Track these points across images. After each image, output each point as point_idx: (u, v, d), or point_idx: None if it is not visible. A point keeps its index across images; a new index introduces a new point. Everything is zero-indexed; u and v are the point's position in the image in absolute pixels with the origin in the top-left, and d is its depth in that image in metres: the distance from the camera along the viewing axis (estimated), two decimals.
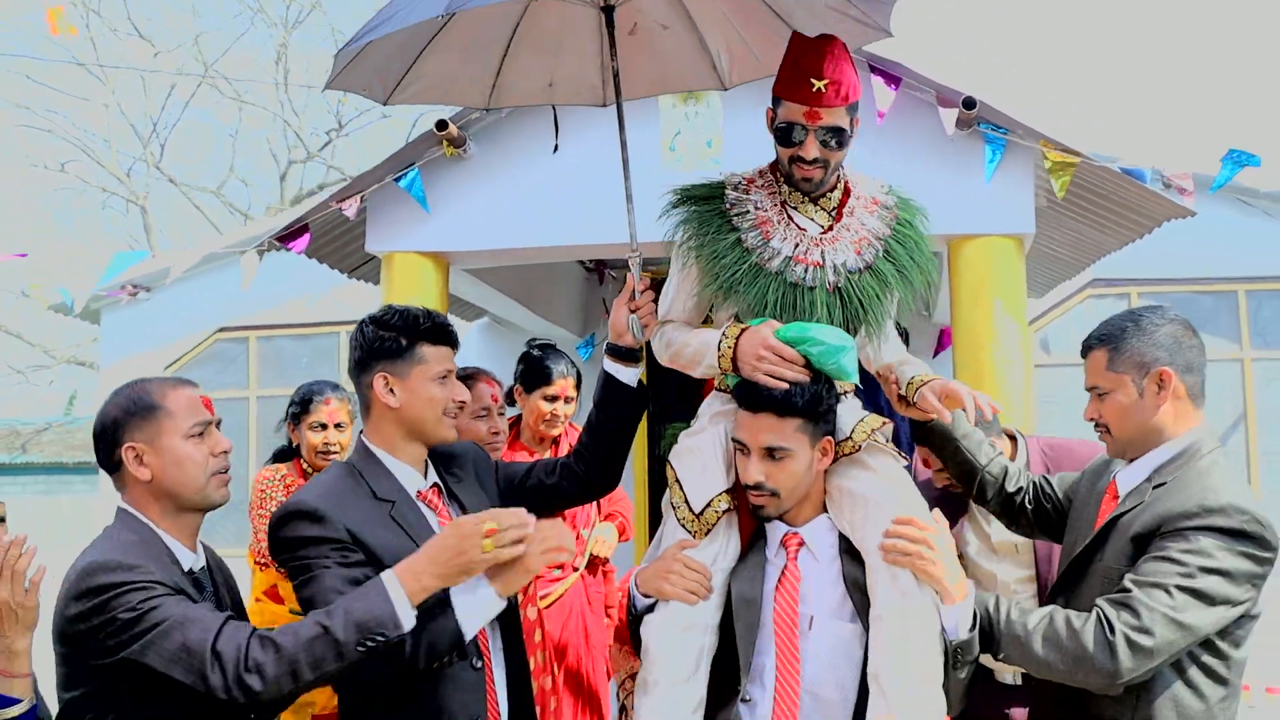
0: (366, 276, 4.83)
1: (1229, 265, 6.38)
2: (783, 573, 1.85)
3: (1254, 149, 3.47)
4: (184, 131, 22.89)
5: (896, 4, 2.05)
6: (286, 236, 3.94)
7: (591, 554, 3.30)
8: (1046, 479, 2.07)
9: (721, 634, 1.87)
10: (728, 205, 1.98)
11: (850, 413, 1.91)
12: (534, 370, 3.15)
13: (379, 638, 1.53)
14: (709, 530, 1.86)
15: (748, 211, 1.96)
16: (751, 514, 1.88)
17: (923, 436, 2.08)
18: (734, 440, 1.85)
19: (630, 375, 1.98)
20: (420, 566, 1.59)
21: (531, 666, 2.93)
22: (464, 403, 1.90)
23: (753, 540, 1.92)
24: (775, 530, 1.89)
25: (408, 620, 1.55)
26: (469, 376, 2.81)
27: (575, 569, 3.24)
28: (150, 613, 1.52)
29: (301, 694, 1.60)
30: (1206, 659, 1.66)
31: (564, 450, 3.24)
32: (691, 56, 2.40)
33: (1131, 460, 1.79)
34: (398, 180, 3.83)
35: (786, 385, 1.77)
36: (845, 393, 1.96)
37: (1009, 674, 2.44)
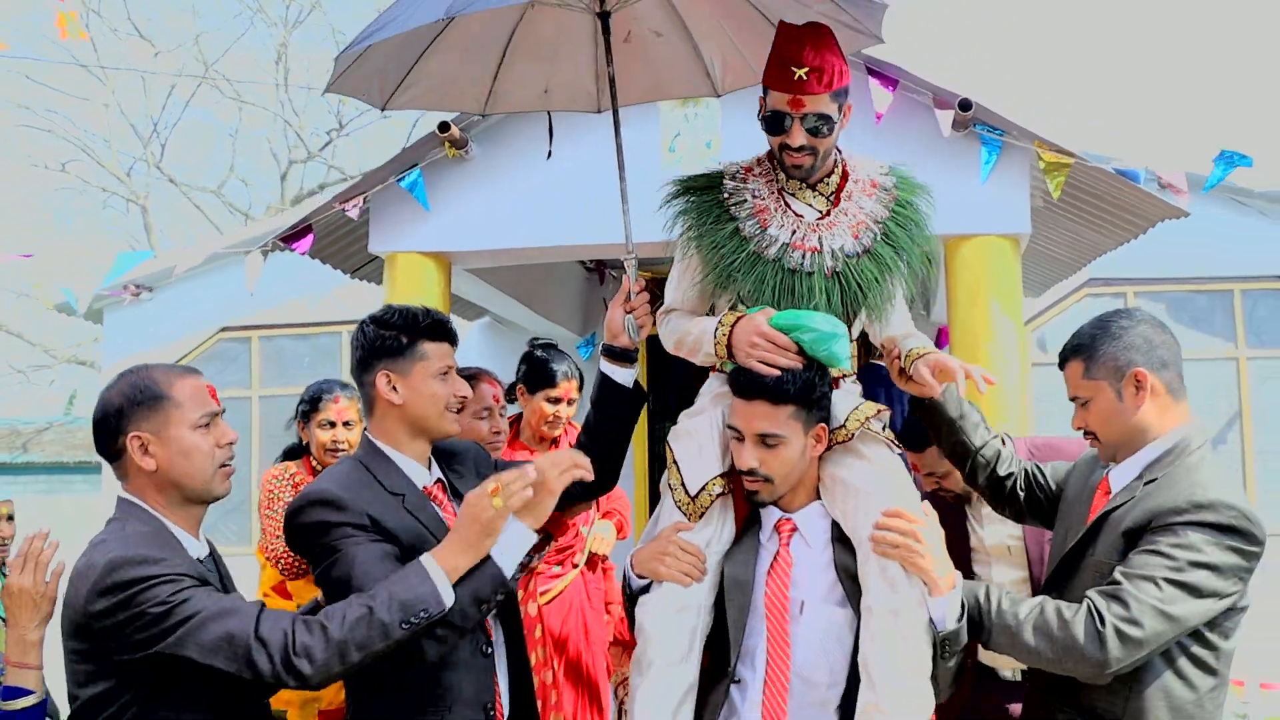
0: (369, 277, 4.87)
1: (1225, 264, 6.42)
2: (775, 558, 1.88)
3: (1251, 148, 3.50)
4: (184, 131, 22.92)
5: (888, 10, 2.07)
6: (290, 237, 3.98)
7: (590, 551, 3.34)
8: (1039, 467, 2.10)
9: (716, 616, 1.91)
10: (725, 195, 2.00)
11: (846, 400, 1.93)
12: (538, 371, 3.16)
13: (423, 615, 1.56)
14: (703, 513, 1.89)
15: (745, 200, 1.98)
16: (746, 499, 1.91)
17: (921, 414, 2.10)
18: (729, 426, 1.88)
19: (626, 376, 2.00)
20: (450, 548, 1.63)
21: (533, 662, 2.97)
22: (465, 397, 1.93)
23: (747, 524, 1.95)
24: (769, 515, 1.92)
25: (448, 596, 1.59)
26: (471, 376, 2.84)
27: (575, 565, 3.27)
28: (182, 605, 1.52)
29: (348, 675, 1.61)
30: (1196, 650, 1.70)
31: (563, 449, 3.26)
32: (685, 64, 2.42)
33: (1122, 460, 1.82)
34: (400, 181, 3.87)
35: (779, 372, 1.80)
36: (847, 376, 1.98)
37: (1009, 670, 2.46)
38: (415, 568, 1.60)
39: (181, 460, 1.66)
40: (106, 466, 8.05)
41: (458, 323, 2.55)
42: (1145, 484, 1.75)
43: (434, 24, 2.11)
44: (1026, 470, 2.09)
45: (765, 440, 1.82)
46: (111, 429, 1.66)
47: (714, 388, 1.99)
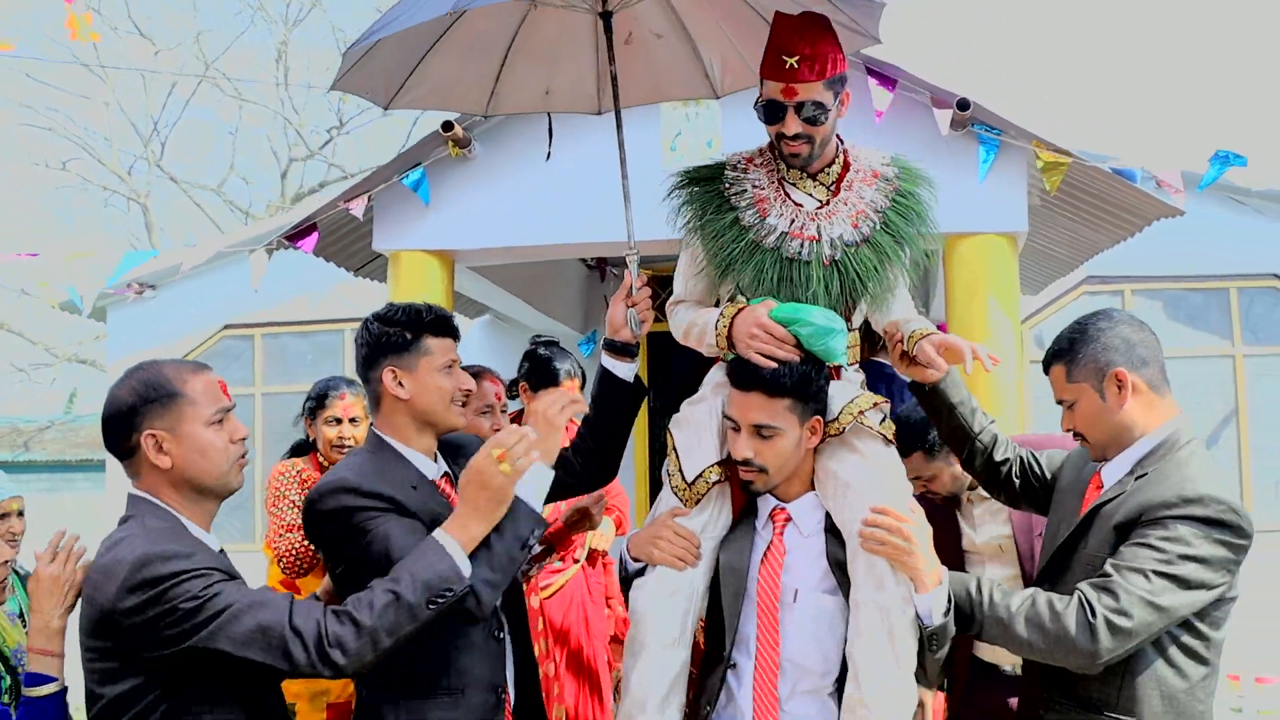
0: (372, 274, 4.90)
1: (1221, 263, 6.45)
2: (768, 547, 1.91)
3: (1249, 147, 3.54)
4: (185, 130, 22.93)
5: (885, 9, 2.07)
6: (295, 235, 4.02)
7: (591, 547, 3.38)
8: (1034, 455, 2.13)
9: (712, 602, 1.94)
10: (726, 185, 2.02)
11: (844, 392, 1.94)
12: (541, 370, 3.18)
13: (447, 593, 1.58)
14: (699, 500, 1.93)
15: (745, 190, 2.00)
16: (741, 488, 1.94)
17: (922, 400, 2.11)
18: (725, 416, 1.91)
19: (627, 371, 2.03)
20: (462, 520, 1.65)
21: (536, 654, 3.01)
22: (470, 391, 1.97)
23: (744, 511, 1.98)
24: (765, 503, 1.95)
25: (467, 569, 1.61)
26: (474, 375, 2.87)
27: (576, 561, 3.31)
28: (214, 599, 1.51)
29: (379, 661, 1.61)
30: (1187, 640, 1.73)
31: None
32: (685, 66, 2.43)
33: (1113, 457, 1.85)
34: (404, 180, 3.90)
35: (776, 364, 1.82)
36: (852, 365, 2.00)
37: (1010, 665, 2.49)
38: (431, 545, 1.62)
39: (197, 457, 1.64)
40: (111, 465, 8.06)
41: (460, 320, 2.58)
42: (1136, 478, 1.78)
43: (438, 24, 2.14)
44: (1022, 457, 2.12)
45: (760, 431, 1.84)
46: (124, 427, 1.64)
47: (716, 377, 2.02)
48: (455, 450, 2.05)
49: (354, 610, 1.56)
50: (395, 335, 1.89)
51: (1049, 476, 2.09)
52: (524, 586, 2.89)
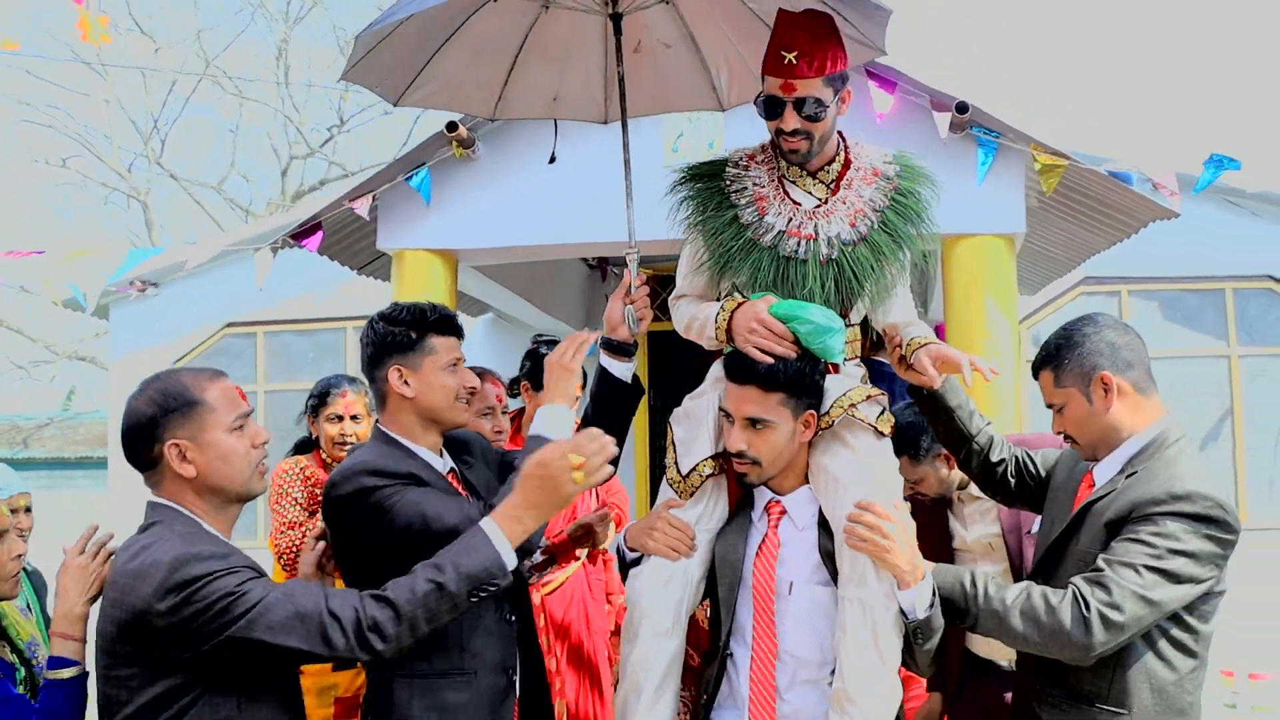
0: (376, 273, 4.93)
1: (1217, 264, 6.49)
2: (763, 540, 1.95)
3: (1247, 147, 3.59)
4: (185, 127, 22.91)
5: (888, 16, 2.11)
6: (300, 234, 4.05)
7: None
8: (1029, 454, 2.17)
9: (711, 593, 1.98)
10: (727, 182, 2.04)
11: (840, 385, 1.95)
12: (543, 369, 3.23)
13: (491, 586, 1.57)
14: (693, 492, 1.96)
15: (745, 188, 2.02)
16: (736, 480, 1.97)
17: (918, 402, 2.14)
18: (720, 409, 1.94)
19: (624, 370, 2.06)
20: (518, 510, 1.63)
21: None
22: (474, 388, 2.01)
23: (741, 504, 2.01)
24: (761, 496, 1.99)
25: (512, 562, 1.60)
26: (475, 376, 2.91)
27: (577, 558, 3.35)
28: (250, 593, 1.51)
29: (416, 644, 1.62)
30: (1176, 633, 1.78)
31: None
32: (692, 76, 2.44)
33: (1103, 458, 1.90)
34: (409, 180, 3.94)
35: (772, 359, 1.85)
36: (851, 359, 2.02)
37: (1006, 661, 2.53)
38: (479, 535, 1.61)
39: (220, 464, 1.64)
40: (114, 463, 8.07)
41: (462, 319, 2.60)
42: (1126, 477, 1.82)
43: (450, 19, 2.15)
44: (1017, 457, 2.16)
45: (754, 424, 1.87)
46: (146, 438, 1.63)
47: (717, 372, 2.04)
48: (460, 447, 2.09)
49: (394, 595, 1.56)
50: (400, 334, 1.93)
51: (1043, 475, 2.13)
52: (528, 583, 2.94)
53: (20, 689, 2.30)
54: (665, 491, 2.02)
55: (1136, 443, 1.85)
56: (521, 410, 3.35)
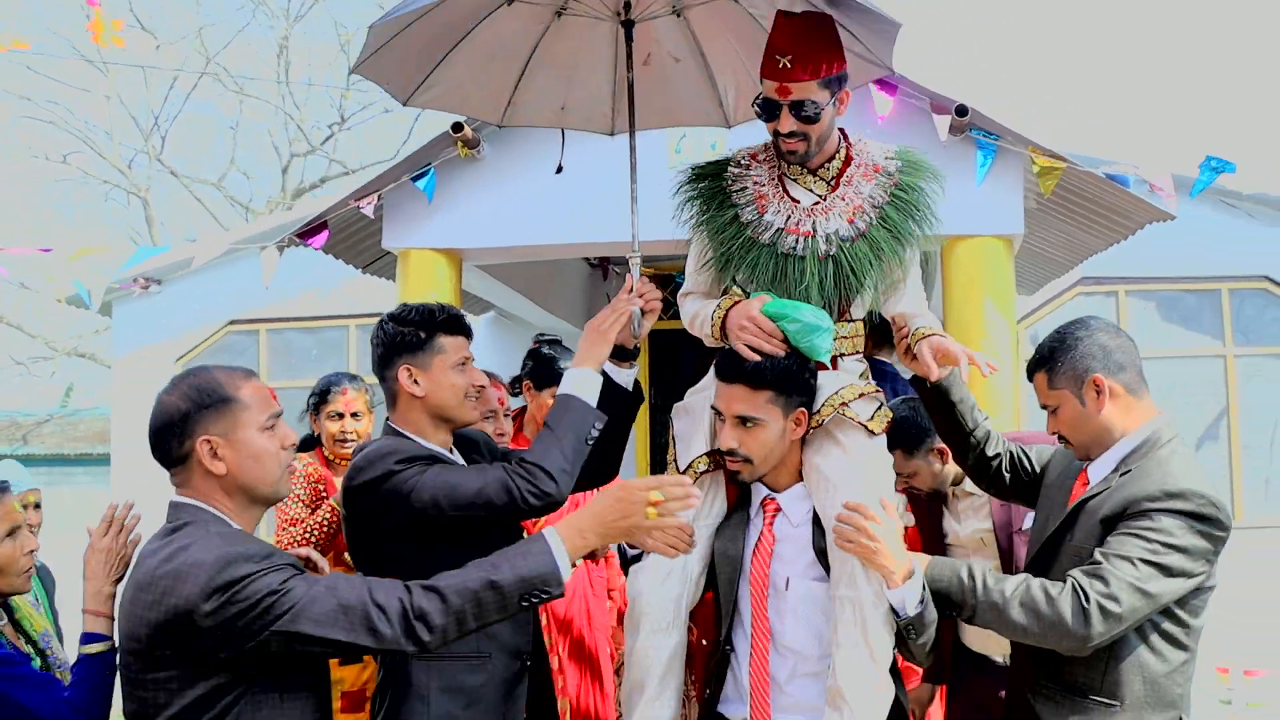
0: (381, 272, 4.97)
1: (1213, 264, 6.52)
2: (759, 536, 1.98)
3: (1242, 149, 3.63)
4: (185, 124, 22.88)
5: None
6: (306, 233, 4.09)
7: None
8: (1024, 449, 2.21)
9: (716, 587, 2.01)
10: (728, 182, 2.07)
11: (834, 381, 1.98)
12: (545, 369, 3.22)
13: (543, 594, 1.56)
14: None
15: (746, 187, 2.05)
16: (729, 477, 2.00)
17: (922, 395, 2.17)
18: (712, 407, 1.98)
19: (626, 377, 2.09)
20: (585, 525, 1.62)
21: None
22: (483, 386, 2.05)
23: (740, 500, 2.05)
24: (758, 493, 2.02)
25: (566, 575, 1.59)
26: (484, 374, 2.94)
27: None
28: (294, 589, 1.50)
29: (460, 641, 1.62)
30: (1168, 627, 1.82)
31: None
32: (699, 91, 2.45)
33: (1097, 457, 1.94)
34: (414, 180, 3.97)
35: (760, 357, 1.88)
36: (852, 355, 2.05)
37: (1000, 656, 2.56)
38: (540, 541, 1.60)
39: (252, 463, 1.62)
40: (117, 459, 8.05)
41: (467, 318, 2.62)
42: (1120, 475, 1.87)
43: (463, 20, 2.16)
44: (1012, 452, 2.20)
45: (744, 422, 1.90)
46: (177, 433, 1.61)
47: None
48: (469, 445, 2.13)
49: (443, 586, 1.55)
50: (410, 334, 1.97)
51: (1037, 470, 2.17)
52: None
53: None
54: None
55: (1129, 443, 1.90)
56: (523, 409, 3.38)
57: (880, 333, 4.07)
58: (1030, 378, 2.00)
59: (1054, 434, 2.00)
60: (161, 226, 15.48)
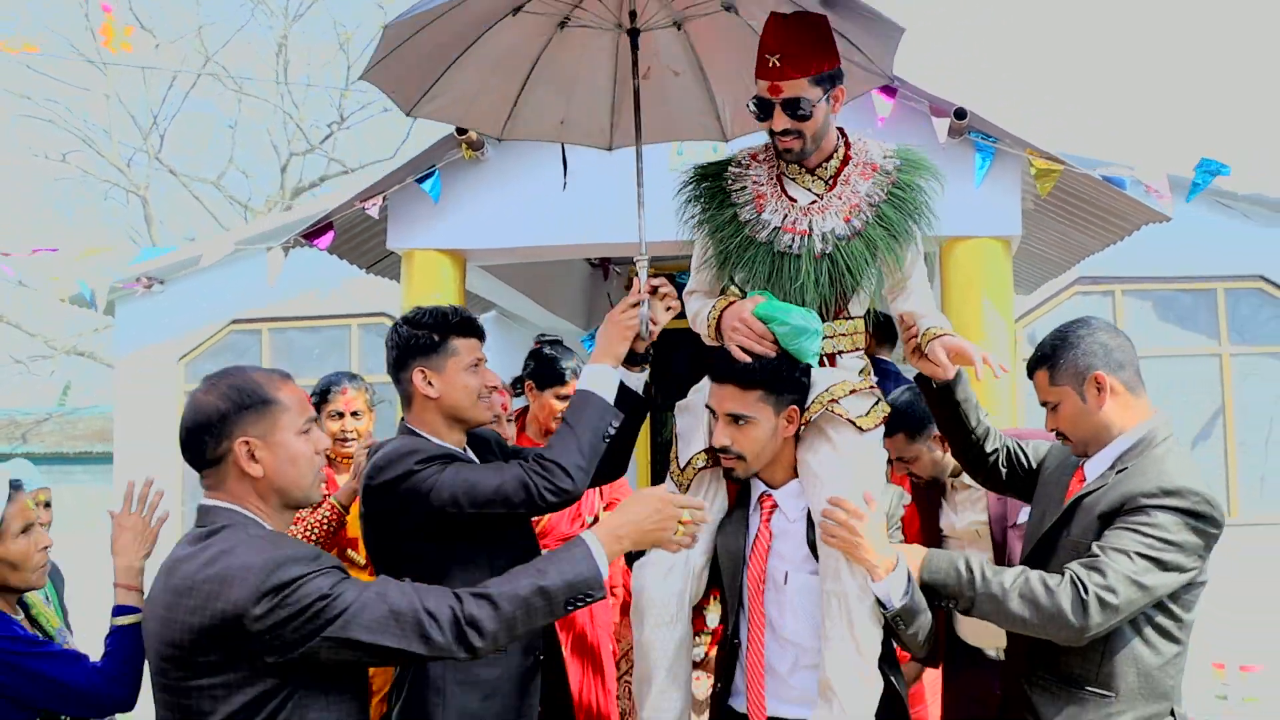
0: (385, 272, 5.00)
1: (1208, 264, 6.56)
2: (757, 533, 2.02)
3: (1241, 149, 3.67)
4: (184, 123, 22.89)
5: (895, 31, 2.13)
6: (312, 234, 4.12)
7: None
8: (1021, 445, 2.25)
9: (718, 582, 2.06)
10: (729, 181, 2.10)
11: (828, 378, 2.01)
12: (547, 369, 3.23)
13: (587, 597, 1.59)
14: (689, 484, 2.04)
15: (745, 187, 2.08)
16: (725, 475, 2.04)
17: (926, 393, 2.20)
18: (706, 405, 2.02)
19: (637, 381, 2.12)
20: (623, 530, 1.67)
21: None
22: (496, 387, 2.09)
23: (741, 496, 2.09)
24: (756, 489, 2.06)
25: (605, 576, 1.63)
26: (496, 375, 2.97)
27: None
28: (344, 594, 1.49)
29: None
30: (1161, 620, 1.87)
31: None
32: (697, 105, 2.47)
33: (1094, 454, 1.98)
34: (420, 182, 4.01)
35: (750, 358, 1.92)
36: (853, 352, 2.08)
37: (994, 650, 2.60)
38: (581, 546, 1.63)
39: (289, 466, 1.59)
40: (120, 458, 8.03)
41: None
42: (1116, 472, 1.91)
43: (468, 30, 2.18)
44: (1009, 447, 2.24)
45: (736, 420, 1.95)
46: (215, 434, 1.57)
47: None
48: (481, 444, 2.17)
49: (494, 593, 1.55)
50: (424, 337, 2.01)
51: (1034, 466, 2.21)
52: None
53: None
54: (668, 484, 2.09)
55: (1126, 440, 1.94)
56: (525, 409, 3.41)
57: (882, 331, 4.13)
58: (1031, 375, 2.04)
59: (1053, 430, 2.03)
60: (160, 225, 15.49)
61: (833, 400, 1.96)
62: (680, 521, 1.69)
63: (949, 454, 2.63)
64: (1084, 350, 1.95)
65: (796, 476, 2.02)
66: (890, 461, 2.75)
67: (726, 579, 2.03)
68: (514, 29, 2.24)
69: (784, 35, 1.96)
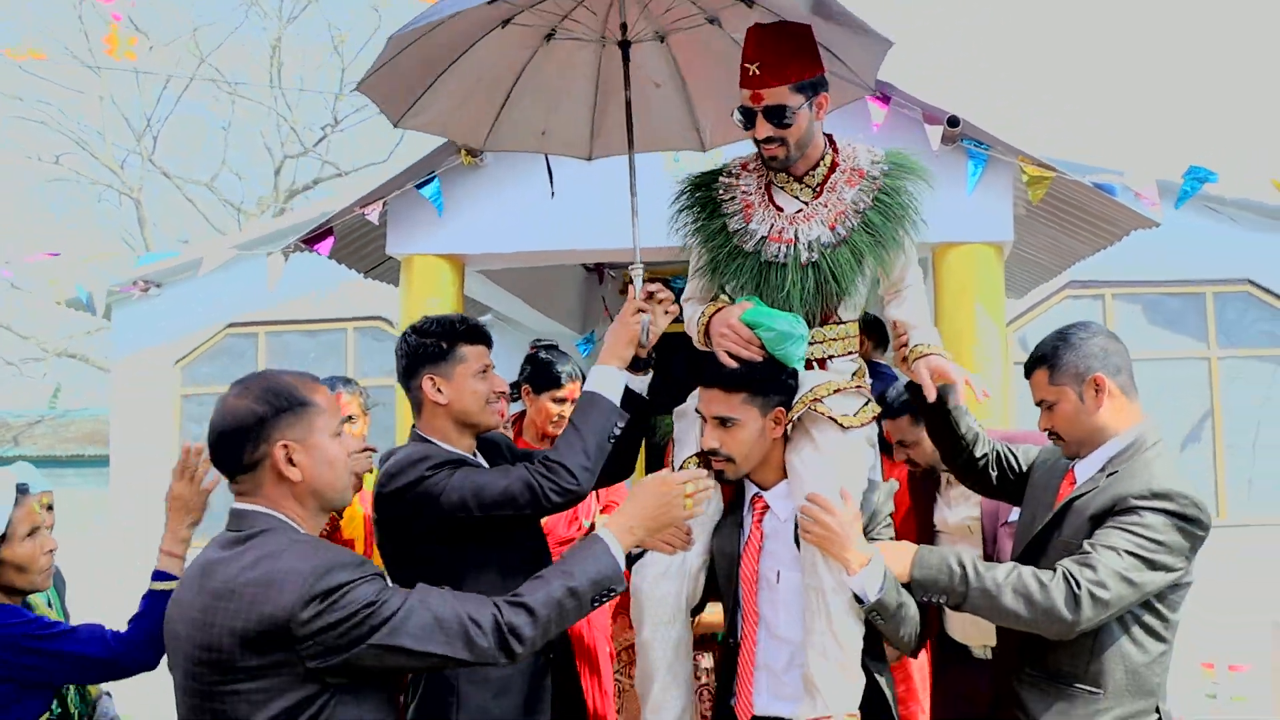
0: (384, 277, 5.03)
1: (1197, 268, 6.64)
2: (749, 533, 2.07)
3: (1229, 154, 3.73)
4: (177, 125, 22.83)
5: (880, 16, 2.14)
6: (312, 239, 4.15)
7: None
8: (1010, 448, 2.30)
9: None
10: (719, 191, 2.14)
11: (815, 380, 2.05)
12: (543, 373, 3.26)
13: (611, 591, 1.62)
14: None
15: (734, 196, 2.12)
16: (717, 477, 2.07)
17: (917, 400, 2.23)
18: (696, 409, 2.06)
19: (641, 384, 2.17)
20: (632, 522, 1.69)
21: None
22: (504, 392, 2.13)
23: (736, 497, 2.13)
24: (749, 490, 2.11)
25: (624, 570, 1.66)
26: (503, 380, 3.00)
27: None
28: (389, 601, 1.48)
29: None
30: (1148, 619, 1.93)
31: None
32: (678, 117, 2.51)
33: (1085, 456, 2.03)
34: (419, 188, 4.05)
35: (736, 363, 1.97)
36: (845, 355, 2.11)
37: (980, 649, 2.65)
38: (599, 543, 1.65)
39: (326, 470, 1.57)
40: (116, 461, 8.02)
41: None
42: (1107, 475, 1.96)
43: (456, 43, 2.21)
44: (998, 451, 2.29)
45: (723, 423, 1.99)
46: (253, 438, 1.54)
47: None
48: (491, 448, 2.21)
49: (529, 599, 1.56)
50: (432, 345, 2.05)
51: (1023, 469, 2.26)
52: None
53: None
54: None
55: (1117, 444, 1.99)
56: (522, 414, 3.44)
57: (877, 334, 4.17)
58: (1029, 374, 2.08)
59: (1045, 430, 2.08)
60: (154, 227, 15.47)
61: (815, 399, 2.00)
62: (686, 495, 1.70)
63: None
64: (1085, 352, 2.00)
65: (786, 477, 2.06)
66: (890, 447, 2.80)
67: (722, 579, 2.07)
68: (501, 41, 2.28)
69: (764, 44, 1.99)
